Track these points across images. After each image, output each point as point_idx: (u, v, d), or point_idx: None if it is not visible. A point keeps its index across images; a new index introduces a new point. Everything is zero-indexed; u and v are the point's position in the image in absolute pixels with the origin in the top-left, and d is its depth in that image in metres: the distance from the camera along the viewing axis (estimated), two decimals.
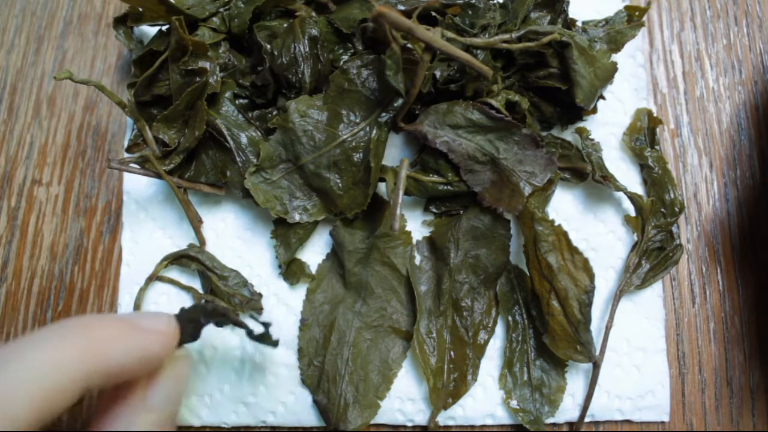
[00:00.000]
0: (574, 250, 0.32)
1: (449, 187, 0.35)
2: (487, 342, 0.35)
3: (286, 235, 0.36)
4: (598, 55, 0.35)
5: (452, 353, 0.34)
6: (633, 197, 0.35)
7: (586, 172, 0.36)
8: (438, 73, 0.34)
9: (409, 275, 0.34)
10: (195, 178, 0.37)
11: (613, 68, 0.35)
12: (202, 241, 0.37)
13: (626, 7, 0.38)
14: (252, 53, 0.37)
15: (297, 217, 0.35)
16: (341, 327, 0.35)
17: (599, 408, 0.35)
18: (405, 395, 0.35)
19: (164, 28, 0.36)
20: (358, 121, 0.34)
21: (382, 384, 0.34)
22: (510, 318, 0.35)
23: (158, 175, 0.36)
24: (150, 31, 0.40)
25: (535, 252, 0.33)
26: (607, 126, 0.38)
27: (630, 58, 0.39)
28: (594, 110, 0.37)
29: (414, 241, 0.36)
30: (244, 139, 0.35)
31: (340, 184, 0.34)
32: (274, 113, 0.36)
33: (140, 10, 0.36)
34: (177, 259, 0.37)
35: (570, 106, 0.35)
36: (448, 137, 0.34)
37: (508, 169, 0.34)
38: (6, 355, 0.21)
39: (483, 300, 0.35)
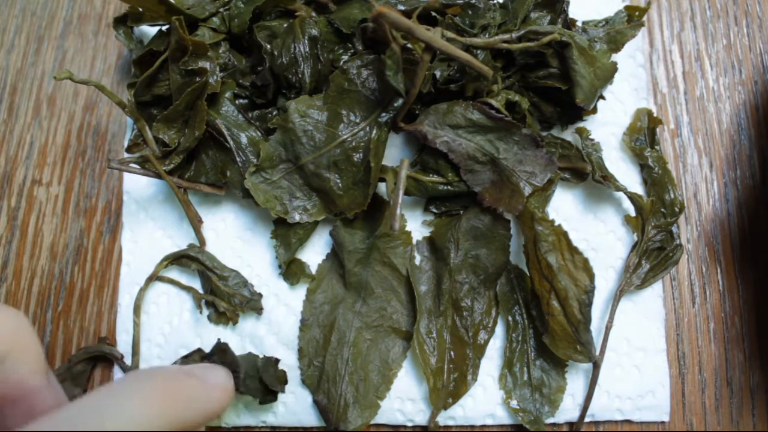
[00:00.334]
0: (574, 250, 0.32)
1: (449, 187, 0.35)
2: (487, 342, 0.35)
3: (286, 235, 0.36)
4: (598, 55, 0.35)
5: (452, 353, 0.34)
6: (633, 197, 0.35)
7: (586, 172, 0.36)
8: (438, 73, 0.34)
9: (409, 275, 0.34)
10: (195, 178, 0.37)
11: (613, 68, 0.35)
12: (202, 241, 0.37)
13: (626, 7, 0.38)
14: (252, 53, 0.37)
15: (297, 217, 0.35)
16: (341, 327, 0.35)
17: (599, 408, 0.35)
18: (405, 395, 0.35)
19: (164, 28, 0.36)
20: (358, 121, 0.34)
21: (382, 384, 0.34)
22: (510, 318, 0.35)
23: (158, 175, 0.36)
24: (150, 31, 0.40)
25: (535, 252, 0.33)
26: (607, 126, 0.38)
27: (630, 58, 0.39)
28: (594, 110, 0.37)
29: (414, 241, 0.36)
30: (244, 139, 0.35)
31: (340, 184, 0.34)
32: (274, 113, 0.36)
33: (140, 10, 0.36)
34: (177, 259, 0.37)
35: (570, 106, 0.35)
36: (448, 137, 0.34)
37: (508, 169, 0.34)
38: (103, 401, 0.22)
39: (483, 300, 0.35)
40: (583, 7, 0.39)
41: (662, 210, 0.36)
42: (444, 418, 0.35)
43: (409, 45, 0.33)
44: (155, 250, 0.37)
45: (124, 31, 0.39)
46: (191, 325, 0.36)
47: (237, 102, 0.36)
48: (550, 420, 0.34)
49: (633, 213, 0.36)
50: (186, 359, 0.33)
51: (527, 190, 0.33)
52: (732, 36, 0.41)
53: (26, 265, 0.38)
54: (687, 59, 0.40)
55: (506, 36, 0.33)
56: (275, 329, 0.36)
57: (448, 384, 0.34)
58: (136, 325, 0.36)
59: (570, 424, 0.35)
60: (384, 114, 0.34)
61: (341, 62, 0.34)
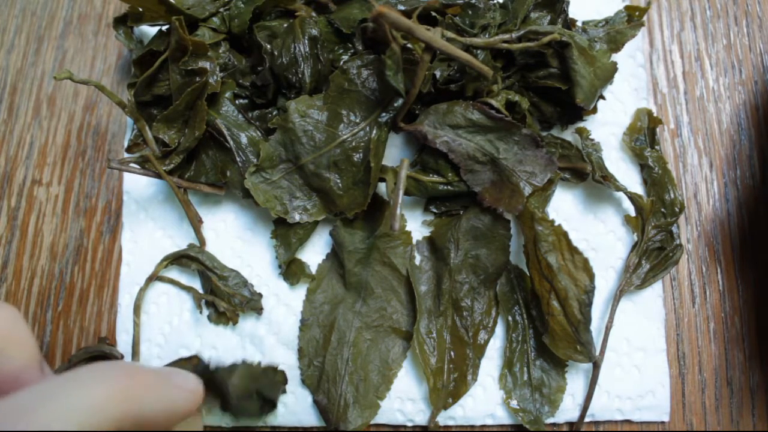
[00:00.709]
0: (574, 250, 0.32)
1: (449, 187, 0.35)
2: (487, 342, 0.35)
3: (286, 235, 0.36)
4: (598, 55, 0.35)
5: (452, 353, 0.34)
6: (633, 197, 0.35)
7: (586, 172, 0.36)
8: (438, 73, 0.34)
9: (409, 275, 0.34)
10: (195, 178, 0.37)
11: (613, 68, 0.35)
12: (202, 241, 0.37)
13: (626, 7, 0.38)
14: (252, 53, 0.37)
15: (297, 217, 0.35)
16: (341, 327, 0.35)
17: (599, 408, 0.35)
18: (405, 395, 0.35)
19: (164, 28, 0.36)
20: (358, 121, 0.34)
21: (382, 384, 0.34)
22: (510, 318, 0.35)
23: (158, 175, 0.36)
24: (150, 31, 0.40)
25: (535, 252, 0.33)
26: (607, 126, 0.38)
27: (630, 58, 0.39)
28: (594, 110, 0.37)
29: (414, 241, 0.36)
30: (244, 139, 0.35)
31: (340, 184, 0.34)
32: (274, 113, 0.36)
33: (140, 10, 0.36)
34: (177, 259, 0.37)
35: (570, 106, 0.35)
36: (448, 137, 0.34)
37: (508, 169, 0.34)
38: (50, 390, 0.22)
39: (483, 300, 0.35)
40: (583, 7, 0.39)
41: (662, 210, 0.36)
42: (444, 418, 0.35)
43: (409, 45, 0.33)
44: (155, 250, 0.37)
45: (124, 31, 0.39)
46: (191, 325, 0.36)
47: (237, 102, 0.36)
48: (550, 420, 0.34)
49: (633, 213, 0.36)
50: (177, 364, 0.33)
51: (527, 190, 0.33)
52: (732, 36, 0.41)
53: (26, 265, 0.38)
54: (687, 59, 0.40)
55: (506, 36, 0.33)
56: (275, 329, 0.36)
57: (448, 384, 0.34)
58: (136, 325, 0.36)
59: (570, 424, 0.35)
60: (384, 114, 0.34)
61: (341, 62, 0.34)
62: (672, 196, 0.36)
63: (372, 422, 0.34)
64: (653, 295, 0.36)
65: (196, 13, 0.36)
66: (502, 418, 0.35)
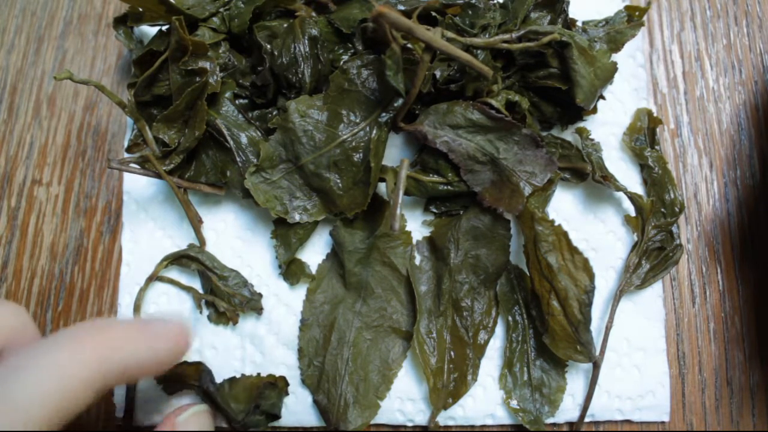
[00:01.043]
0: (574, 250, 0.32)
1: (449, 187, 0.35)
2: (487, 342, 0.35)
3: (286, 235, 0.36)
4: (598, 55, 0.35)
5: (452, 353, 0.34)
6: (633, 197, 0.35)
7: (586, 172, 0.36)
8: (438, 73, 0.34)
9: (409, 275, 0.34)
10: (195, 178, 0.37)
11: (613, 68, 0.35)
12: (202, 241, 0.37)
13: (626, 7, 0.38)
14: (252, 53, 0.37)
15: (297, 217, 0.35)
16: (341, 327, 0.35)
17: (599, 408, 0.35)
18: (405, 395, 0.35)
19: (164, 28, 0.36)
20: (358, 121, 0.34)
21: (382, 384, 0.34)
22: (510, 318, 0.35)
23: (158, 175, 0.36)
24: (150, 31, 0.40)
25: (535, 252, 0.33)
26: (607, 126, 0.38)
27: (630, 58, 0.39)
28: (594, 110, 0.37)
29: (414, 241, 0.36)
30: (244, 139, 0.35)
31: (340, 184, 0.34)
32: (274, 113, 0.36)
33: (140, 10, 0.36)
34: (177, 259, 0.37)
35: (570, 106, 0.35)
36: (448, 137, 0.34)
37: (508, 169, 0.34)
38: (23, 360, 0.22)
39: (483, 300, 0.35)
40: (583, 7, 0.39)
41: (662, 210, 0.36)
42: (444, 418, 0.35)
43: (409, 45, 0.33)
44: (155, 250, 0.37)
45: (124, 31, 0.39)
46: (191, 325, 0.36)
47: (237, 102, 0.36)
48: (550, 420, 0.34)
49: (633, 213, 0.36)
50: (180, 367, 0.33)
51: (527, 190, 0.33)
52: (732, 36, 0.41)
53: (26, 265, 0.38)
54: (687, 59, 0.40)
55: (506, 36, 0.33)
56: (275, 329, 0.36)
57: (448, 384, 0.34)
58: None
59: (570, 424, 0.35)
60: (384, 114, 0.34)
61: (341, 62, 0.34)
62: (672, 196, 0.36)
63: (372, 422, 0.34)
64: (653, 295, 0.36)
65: (196, 13, 0.36)
66: (502, 418, 0.35)
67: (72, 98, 0.41)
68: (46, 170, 0.40)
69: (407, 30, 0.29)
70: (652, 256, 0.35)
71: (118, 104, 0.36)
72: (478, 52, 0.34)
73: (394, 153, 0.37)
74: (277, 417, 0.33)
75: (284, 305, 0.36)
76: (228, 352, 0.36)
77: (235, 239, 0.37)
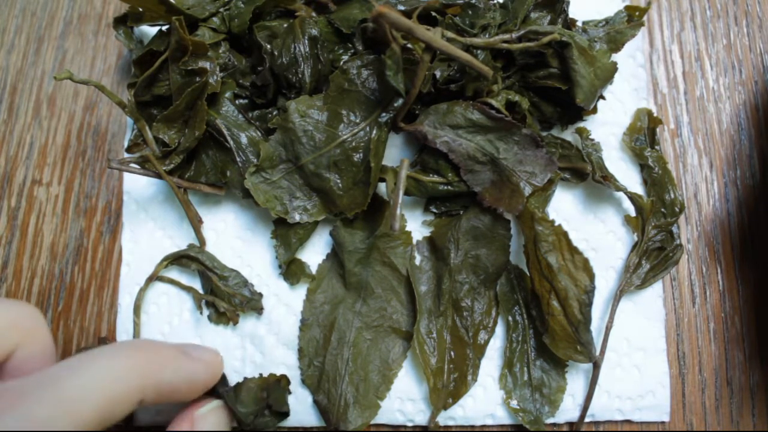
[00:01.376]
0: (574, 250, 0.32)
1: (449, 187, 0.35)
2: (487, 342, 0.35)
3: (286, 235, 0.36)
4: (598, 55, 0.35)
5: (452, 353, 0.34)
6: (633, 197, 0.35)
7: (586, 172, 0.36)
8: (438, 73, 0.34)
9: (409, 275, 0.34)
10: (195, 178, 0.37)
11: (613, 68, 0.35)
12: (202, 241, 0.37)
13: (626, 7, 0.38)
14: (252, 53, 0.37)
15: (297, 217, 0.35)
16: (341, 327, 0.35)
17: (599, 408, 0.35)
18: (405, 395, 0.35)
19: (164, 28, 0.36)
20: (358, 121, 0.34)
21: (382, 384, 0.34)
22: (510, 318, 0.35)
23: (158, 175, 0.36)
24: (150, 31, 0.40)
25: (535, 252, 0.33)
26: (607, 126, 0.38)
27: (630, 58, 0.39)
28: (594, 110, 0.37)
29: (414, 241, 0.36)
30: (244, 139, 0.35)
31: (340, 184, 0.34)
32: (274, 113, 0.36)
33: (140, 10, 0.36)
34: (177, 259, 0.37)
35: (570, 106, 0.35)
36: (448, 137, 0.34)
37: (508, 169, 0.34)
38: (76, 364, 0.24)
39: (483, 300, 0.35)
40: (583, 7, 0.39)
41: (662, 210, 0.36)
42: (444, 418, 0.35)
43: (409, 45, 0.33)
44: (155, 250, 0.37)
45: (124, 31, 0.39)
46: (191, 325, 0.36)
47: (237, 102, 0.36)
48: (550, 420, 0.34)
49: (633, 213, 0.36)
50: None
51: (527, 190, 0.33)
52: (732, 36, 0.41)
53: (26, 265, 0.38)
54: (687, 59, 0.40)
55: (506, 36, 0.33)
56: (275, 329, 0.36)
57: (448, 384, 0.34)
58: (136, 326, 0.36)
59: (570, 424, 0.35)
60: (384, 114, 0.34)
61: (341, 62, 0.34)
62: (672, 196, 0.36)
63: (372, 422, 0.34)
64: (653, 295, 0.36)
65: (196, 13, 0.36)
66: (503, 418, 0.35)
67: (72, 98, 0.41)
68: (46, 170, 0.40)
69: (407, 30, 0.29)
70: (652, 256, 0.35)
71: (118, 104, 0.36)
72: (478, 52, 0.34)
73: (394, 153, 0.37)
74: (287, 414, 0.33)
75: (284, 305, 0.36)
76: (228, 352, 0.36)
77: (235, 239, 0.37)
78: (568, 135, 0.38)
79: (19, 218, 0.39)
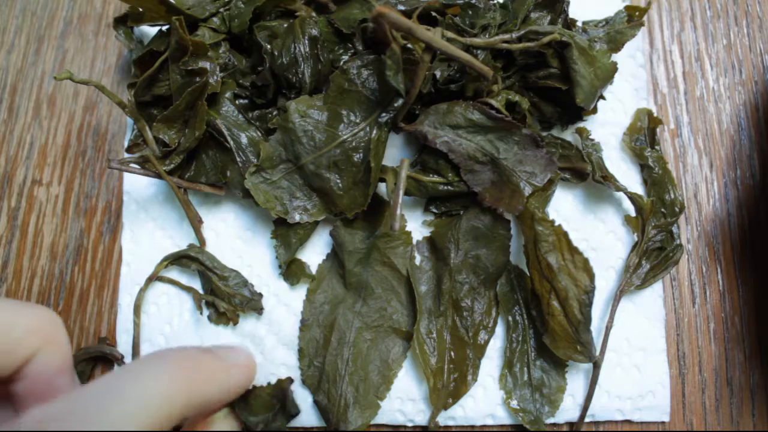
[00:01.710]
0: (574, 250, 0.32)
1: (449, 187, 0.35)
2: (487, 342, 0.35)
3: (287, 235, 0.36)
4: (598, 55, 0.35)
5: (452, 353, 0.34)
6: (633, 197, 0.35)
7: (586, 172, 0.36)
8: (438, 73, 0.34)
9: (409, 275, 0.34)
10: (195, 178, 0.37)
11: (613, 68, 0.35)
12: (202, 242, 0.37)
13: (626, 7, 0.38)
14: (252, 53, 0.37)
15: (297, 218, 0.35)
16: (341, 327, 0.35)
17: (599, 408, 0.35)
18: (405, 395, 0.35)
19: (164, 28, 0.36)
20: (358, 121, 0.34)
21: (383, 384, 0.34)
22: (510, 318, 0.35)
23: (158, 175, 0.36)
24: (150, 31, 0.40)
25: (535, 252, 0.33)
26: (607, 126, 0.38)
27: (630, 58, 0.39)
28: (594, 110, 0.37)
29: (414, 241, 0.36)
30: (244, 139, 0.35)
31: (340, 184, 0.34)
32: (274, 113, 0.36)
33: (140, 10, 0.36)
34: (177, 259, 0.37)
35: (570, 106, 0.35)
36: (448, 137, 0.34)
37: (509, 169, 0.34)
38: (118, 385, 0.23)
39: (483, 300, 0.35)
40: (583, 7, 0.39)
41: (662, 210, 0.36)
42: (444, 418, 0.35)
43: (409, 45, 0.33)
44: (155, 251, 0.37)
45: (124, 31, 0.39)
46: (191, 325, 0.36)
47: (237, 102, 0.36)
48: (550, 420, 0.34)
49: (633, 213, 0.36)
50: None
51: (527, 190, 0.33)
52: (732, 36, 0.41)
53: (26, 265, 0.38)
54: (687, 59, 0.40)
55: (506, 36, 0.33)
56: (275, 329, 0.36)
57: (449, 384, 0.34)
58: (137, 326, 0.36)
59: (570, 424, 0.35)
60: (384, 114, 0.34)
61: (341, 62, 0.34)
62: (672, 196, 0.36)
63: (372, 422, 0.34)
64: (653, 295, 0.36)
65: (196, 13, 0.36)
66: (503, 418, 0.35)
67: (72, 98, 0.41)
68: (46, 170, 0.40)
69: (407, 30, 0.29)
70: (652, 256, 0.35)
71: (118, 104, 0.36)
72: (478, 52, 0.34)
73: (394, 153, 0.37)
74: (297, 413, 0.33)
75: (284, 305, 0.36)
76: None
77: (235, 239, 0.37)
78: (568, 135, 0.38)
79: (19, 218, 0.39)
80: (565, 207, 0.37)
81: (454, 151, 0.34)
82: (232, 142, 0.35)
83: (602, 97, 0.36)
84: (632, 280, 0.35)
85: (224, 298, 0.36)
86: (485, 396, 0.35)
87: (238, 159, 0.35)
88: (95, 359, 0.36)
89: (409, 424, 0.35)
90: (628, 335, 0.35)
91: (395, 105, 0.33)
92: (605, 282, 0.36)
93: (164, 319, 0.37)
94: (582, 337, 0.32)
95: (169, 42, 0.34)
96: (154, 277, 0.36)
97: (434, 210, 0.36)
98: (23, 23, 0.43)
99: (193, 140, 0.35)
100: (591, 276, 0.32)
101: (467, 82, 0.34)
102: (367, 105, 0.34)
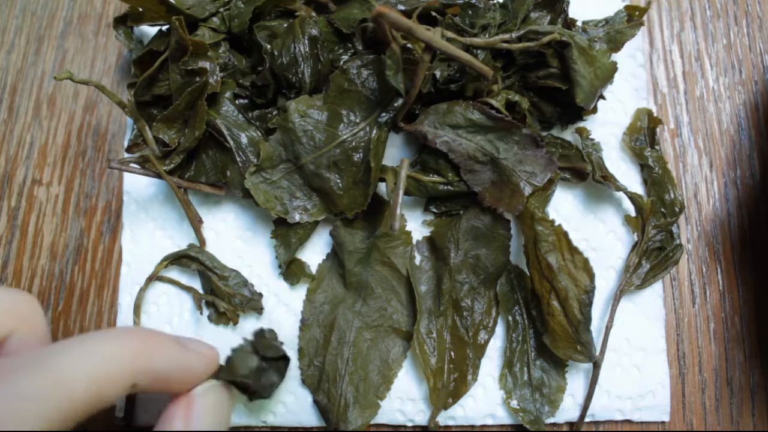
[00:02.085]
0: (574, 250, 0.32)
1: (449, 187, 0.35)
2: (487, 342, 0.35)
3: (287, 235, 0.36)
4: (598, 55, 0.35)
5: (452, 353, 0.34)
6: (633, 197, 0.35)
7: (586, 172, 0.36)
8: (438, 73, 0.34)
9: (409, 275, 0.34)
10: (195, 178, 0.37)
11: (613, 68, 0.35)
12: (202, 241, 0.37)
13: (626, 7, 0.38)
14: (252, 53, 0.37)
15: (297, 217, 0.35)
16: (341, 327, 0.35)
17: (599, 408, 0.35)
18: (405, 395, 0.35)
19: (164, 28, 0.36)
20: (358, 121, 0.34)
21: (383, 384, 0.34)
22: (510, 318, 0.35)
23: (158, 175, 0.36)
24: (150, 31, 0.40)
25: (535, 252, 0.33)
26: (607, 126, 0.38)
27: (630, 58, 0.39)
28: (594, 110, 0.37)
29: (414, 241, 0.36)
30: (244, 139, 0.35)
31: (340, 184, 0.34)
32: (274, 113, 0.36)
33: (140, 10, 0.36)
34: (177, 259, 0.37)
35: (570, 106, 0.35)
36: (448, 137, 0.34)
37: (509, 169, 0.34)
38: (69, 344, 0.24)
39: (483, 300, 0.35)
40: (583, 7, 0.39)
41: (662, 210, 0.36)
42: (444, 418, 0.35)
43: (409, 45, 0.33)
44: (155, 250, 0.37)
45: (124, 31, 0.39)
46: (191, 325, 0.36)
47: (237, 102, 0.36)
48: (550, 420, 0.34)
49: (633, 213, 0.36)
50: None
51: (527, 190, 0.33)
52: (732, 36, 0.41)
53: (26, 265, 0.38)
54: (687, 59, 0.40)
55: (506, 36, 0.33)
56: (275, 329, 0.36)
57: (449, 384, 0.34)
58: (137, 326, 0.36)
59: (570, 424, 0.35)
60: (384, 114, 0.34)
61: (341, 62, 0.34)
62: (672, 196, 0.36)
63: (372, 422, 0.34)
64: (653, 295, 0.36)
65: (196, 13, 0.36)
66: (503, 418, 0.35)
67: (72, 98, 0.41)
68: (46, 170, 0.40)
69: (407, 30, 0.29)
70: (652, 256, 0.35)
71: (118, 104, 0.36)
72: (478, 52, 0.34)
73: (394, 153, 0.37)
74: (287, 359, 0.32)
75: (284, 305, 0.36)
76: (228, 353, 0.36)
77: (235, 239, 0.37)
78: (568, 135, 0.38)
79: (19, 218, 0.39)
80: (565, 207, 0.37)
81: (454, 151, 0.34)
82: (232, 142, 0.35)
83: (602, 97, 0.36)
84: (632, 280, 0.35)
85: (224, 298, 0.36)
86: (485, 396, 0.35)
87: (238, 159, 0.35)
88: None
89: (409, 424, 0.35)
90: (628, 335, 0.35)
91: (395, 105, 0.33)
92: (605, 282, 0.36)
93: (164, 319, 0.37)
94: (582, 337, 0.32)
95: (169, 42, 0.34)
96: (154, 277, 0.36)
97: (434, 210, 0.36)
98: (23, 23, 0.43)
99: (193, 140, 0.35)
100: (591, 276, 0.32)
101: (467, 82, 0.34)
102: (367, 105, 0.34)
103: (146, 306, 0.37)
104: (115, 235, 0.39)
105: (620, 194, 0.37)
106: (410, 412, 0.35)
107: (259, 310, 0.36)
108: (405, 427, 0.35)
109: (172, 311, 0.37)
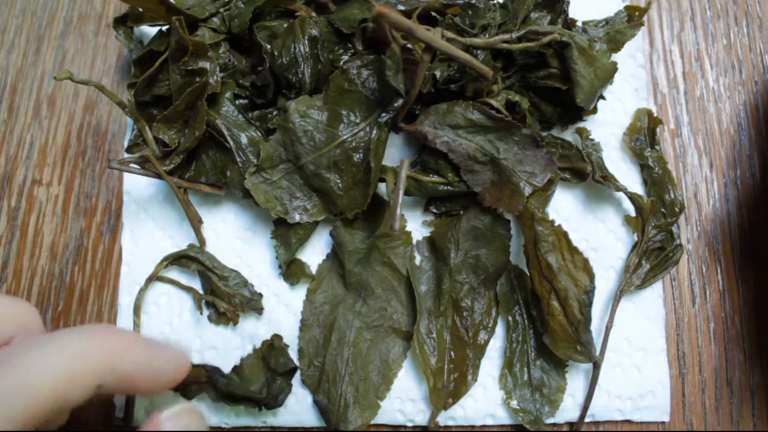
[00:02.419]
0: (574, 250, 0.32)
1: (449, 187, 0.35)
2: (487, 342, 0.35)
3: (287, 235, 0.36)
4: (598, 55, 0.35)
5: (452, 353, 0.34)
6: (633, 197, 0.35)
7: (586, 172, 0.36)
8: (438, 73, 0.34)
9: (409, 275, 0.34)
10: (195, 178, 0.37)
11: (613, 68, 0.35)
12: (202, 242, 0.37)
13: (626, 7, 0.38)
14: (252, 53, 0.37)
15: (297, 218, 0.35)
16: (341, 327, 0.35)
17: (599, 408, 0.35)
18: (405, 395, 0.35)
19: (164, 28, 0.36)
20: (358, 121, 0.34)
21: (383, 384, 0.34)
22: (510, 318, 0.35)
23: (158, 175, 0.36)
24: (150, 31, 0.40)
25: (535, 252, 0.33)
26: (607, 126, 0.38)
27: (630, 58, 0.39)
28: (594, 110, 0.37)
29: (414, 241, 0.36)
30: (244, 139, 0.35)
31: (340, 185, 0.34)
32: (274, 113, 0.36)
33: (140, 10, 0.36)
34: (177, 259, 0.37)
35: (570, 106, 0.35)
36: (448, 137, 0.34)
37: (508, 169, 0.34)
38: (37, 342, 0.24)
39: (483, 300, 0.35)
40: (583, 7, 0.39)
41: (662, 210, 0.36)
42: (444, 418, 0.35)
43: (409, 45, 0.33)
44: (155, 251, 0.37)
45: (124, 31, 0.39)
46: (191, 325, 0.36)
47: (237, 102, 0.36)
48: (550, 420, 0.34)
49: (633, 213, 0.36)
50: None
51: (527, 190, 0.33)
52: (732, 36, 0.41)
53: (26, 265, 0.38)
54: (687, 59, 0.40)
55: (506, 36, 0.33)
56: (275, 329, 0.36)
57: (449, 384, 0.34)
58: (137, 326, 0.36)
59: (570, 424, 0.35)
60: (384, 114, 0.34)
61: (341, 62, 0.34)
62: (672, 196, 0.36)
63: (372, 422, 0.34)
64: (653, 295, 0.36)
65: (196, 13, 0.36)
66: (503, 418, 0.35)
67: (72, 98, 0.41)
68: (46, 170, 0.40)
69: (407, 30, 0.29)
70: (652, 256, 0.35)
71: (118, 104, 0.36)
72: (478, 52, 0.34)
73: (394, 153, 0.37)
74: (295, 370, 0.33)
75: (284, 305, 0.36)
76: (228, 353, 0.36)
77: (235, 239, 0.37)
78: (568, 135, 0.38)
79: (19, 218, 0.39)
80: (565, 207, 0.37)
81: (454, 151, 0.34)
82: (232, 142, 0.35)
83: (602, 97, 0.36)
84: (632, 280, 0.35)
85: (224, 298, 0.36)
86: (485, 396, 0.35)
87: (238, 159, 0.35)
88: None
89: (409, 424, 0.35)
90: (628, 335, 0.35)
91: (395, 105, 0.33)
92: (605, 282, 0.36)
93: (164, 319, 0.37)
94: (582, 337, 0.32)
95: (169, 42, 0.34)
96: (154, 277, 0.36)
97: (434, 210, 0.36)
98: (23, 23, 0.43)
99: (193, 140, 0.35)
100: (591, 276, 0.32)
101: (467, 82, 0.34)
102: (367, 105, 0.34)
103: (146, 306, 0.37)
104: (115, 235, 0.39)
105: (620, 194, 0.37)
106: (410, 412, 0.35)
107: (259, 310, 0.36)
108: (405, 427, 0.35)
109: (172, 311, 0.37)
